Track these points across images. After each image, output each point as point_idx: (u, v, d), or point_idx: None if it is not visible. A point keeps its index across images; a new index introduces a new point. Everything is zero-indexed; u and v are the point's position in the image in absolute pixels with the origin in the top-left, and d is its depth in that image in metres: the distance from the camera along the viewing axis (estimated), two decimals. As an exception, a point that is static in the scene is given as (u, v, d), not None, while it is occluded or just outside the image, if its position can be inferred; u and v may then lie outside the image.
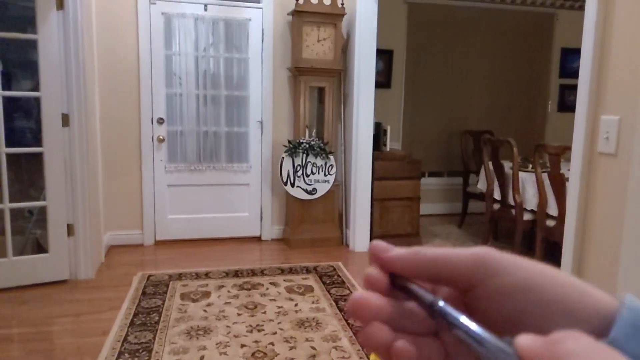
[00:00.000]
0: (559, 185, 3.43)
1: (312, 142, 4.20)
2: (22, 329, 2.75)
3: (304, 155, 4.20)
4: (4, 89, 3.22)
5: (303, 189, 4.23)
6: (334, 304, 3.12)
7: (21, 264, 3.30)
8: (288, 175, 4.20)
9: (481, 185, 4.50)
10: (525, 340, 0.22)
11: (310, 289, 3.37)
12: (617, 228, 1.84)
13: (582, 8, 2.06)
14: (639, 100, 1.73)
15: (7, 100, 3.31)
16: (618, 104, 1.85)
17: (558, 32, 5.96)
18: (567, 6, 5.89)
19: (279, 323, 2.83)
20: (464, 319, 0.26)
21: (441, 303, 0.27)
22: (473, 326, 0.25)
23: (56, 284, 3.37)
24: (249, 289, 3.33)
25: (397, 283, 0.29)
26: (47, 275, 3.37)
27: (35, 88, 3.33)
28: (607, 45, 1.91)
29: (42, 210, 3.40)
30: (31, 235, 3.62)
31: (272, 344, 2.60)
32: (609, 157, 1.90)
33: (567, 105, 5.97)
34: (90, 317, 2.90)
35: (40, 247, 3.51)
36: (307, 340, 2.65)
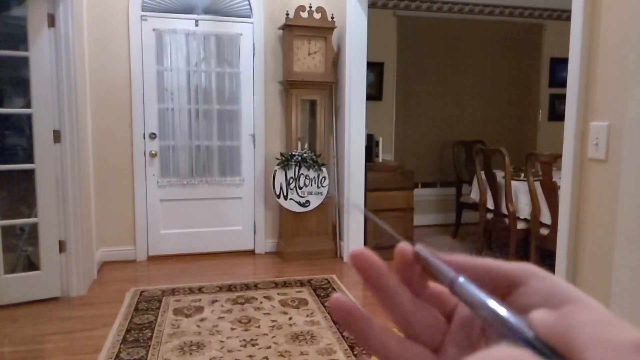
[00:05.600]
0: (552, 193, 3.45)
1: (305, 155, 4.21)
2: (13, 347, 2.71)
3: (297, 167, 4.20)
4: (-6, 106, 3.21)
5: (296, 202, 4.22)
6: (328, 317, 3.10)
7: (12, 282, 3.26)
8: (281, 188, 4.19)
9: (474, 195, 4.51)
10: (539, 315, 0.23)
11: (304, 302, 3.35)
12: (610, 233, 1.84)
13: (569, 18, 2.08)
14: (626, 105, 1.75)
15: (-2, 117, 3.30)
16: (606, 110, 1.87)
17: (546, 42, 6.03)
18: (554, 17, 5.96)
19: (273, 337, 2.81)
20: (483, 295, 0.26)
21: (462, 279, 0.27)
22: (492, 302, 0.25)
23: (48, 302, 3.33)
24: (243, 303, 3.31)
25: (419, 258, 0.30)
26: (38, 293, 3.33)
27: (27, 105, 3.33)
28: (594, 52, 1.93)
29: (34, 227, 3.37)
30: (22, 252, 3.59)
31: (266, 358, 2.58)
32: (599, 163, 1.91)
33: (557, 114, 6.02)
34: (82, 335, 2.86)
35: (31, 265, 3.48)
36: (301, 354, 2.62)
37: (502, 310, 0.25)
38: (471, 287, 0.27)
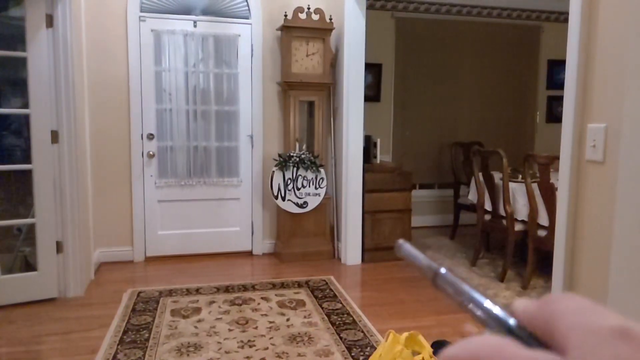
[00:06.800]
0: (549, 194, 3.45)
1: (303, 156, 4.21)
2: (10, 348, 2.71)
3: (295, 168, 4.20)
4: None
5: (294, 203, 4.22)
6: (326, 318, 3.10)
7: (9, 283, 3.26)
8: (279, 189, 4.19)
9: (472, 197, 4.52)
10: (521, 303, 0.23)
11: (302, 303, 3.35)
12: (607, 235, 1.85)
13: (566, 20, 2.09)
14: (624, 107, 1.76)
15: (-4, 118, 3.29)
16: (604, 112, 1.87)
17: (544, 44, 6.04)
18: (552, 19, 5.98)
19: (270, 338, 2.81)
20: (465, 286, 0.26)
21: (443, 270, 0.27)
22: (474, 292, 0.26)
23: (45, 302, 3.32)
24: (240, 304, 3.30)
25: (402, 251, 0.30)
26: (35, 294, 3.32)
27: (25, 105, 3.32)
28: (592, 54, 1.94)
29: (31, 228, 3.36)
30: (20, 253, 3.58)
31: (263, 359, 2.57)
32: (596, 165, 1.91)
33: (554, 116, 6.03)
34: (79, 335, 2.86)
35: (29, 265, 3.47)
36: (299, 355, 2.62)
37: (485, 300, 0.25)
38: (454, 278, 0.27)
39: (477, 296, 0.25)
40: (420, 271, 0.29)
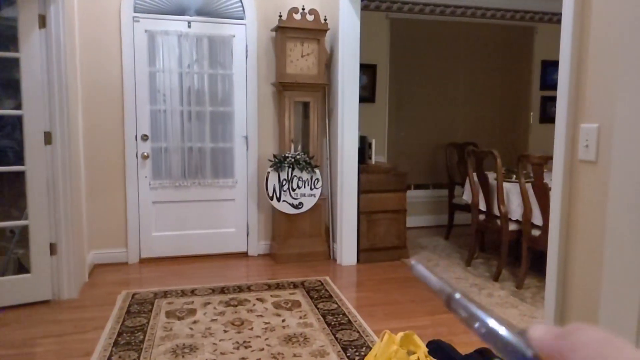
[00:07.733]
0: (543, 194, 3.47)
1: (298, 156, 4.21)
2: (3, 351, 2.69)
3: (290, 169, 4.20)
4: (-16, 107, 3.18)
5: (289, 204, 4.22)
6: (321, 318, 3.10)
7: (3, 285, 3.24)
8: (274, 190, 4.19)
9: (466, 197, 4.53)
10: (538, 331, 0.23)
11: (297, 304, 3.34)
12: (600, 234, 1.86)
13: (560, 21, 2.10)
14: (616, 107, 1.77)
15: (-12, 119, 3.27)
16: (596, 112, 1.88)
17: (538, 45, 6.07)
18: (545, 20, 6.01)
19: (266, 339, 2.80)
20: (479, 311, 0.26)
21: (458, 295, 0.27)
22: (488, 318, 0.25)
23: (39, 305, 3.30)
24: (236, 306, 3.30)
25: (415, 272, 0.30)
26: (29, 296, 3.30)
27: (18, 106, 3.30)
28: (584, 55, 1.95)
29: (25, 230, 3.34)
30: (13, 255, 3.56)
31: (259, 360, 2.57)
32: (589, 165, 1.92)
33: (548, 116, 6.06)
34: (73, 338, 2.84)
35: (22, 267, 3.45)
36: (294, 356, 2.62)
37: (500, 329, 0.25)
38: (469, 304, 0.27)
39: (493, 323, 0.25)
40: (433, 293, 0.29)
